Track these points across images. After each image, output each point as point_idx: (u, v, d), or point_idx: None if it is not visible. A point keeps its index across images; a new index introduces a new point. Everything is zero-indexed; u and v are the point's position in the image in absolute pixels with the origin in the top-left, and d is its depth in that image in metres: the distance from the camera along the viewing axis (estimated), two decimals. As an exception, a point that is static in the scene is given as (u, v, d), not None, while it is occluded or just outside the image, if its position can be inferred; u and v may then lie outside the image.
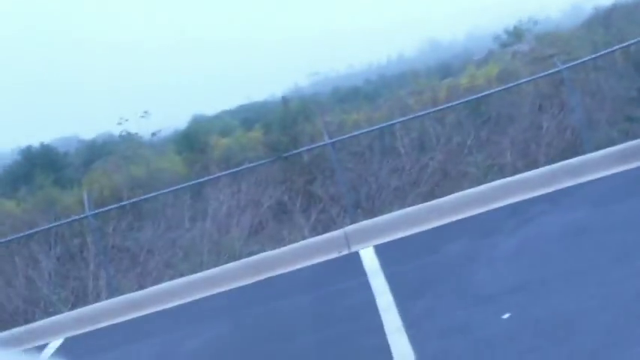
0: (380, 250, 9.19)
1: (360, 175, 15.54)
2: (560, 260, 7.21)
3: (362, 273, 8.44)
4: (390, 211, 12.06)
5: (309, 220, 14.31)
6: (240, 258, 11.65)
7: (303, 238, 11.67)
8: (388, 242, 9.40)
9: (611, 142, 11.45)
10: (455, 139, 15.45)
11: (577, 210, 8.62)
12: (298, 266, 9.48)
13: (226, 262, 11.51)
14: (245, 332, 7.77)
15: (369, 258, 8.97)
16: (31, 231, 13.03)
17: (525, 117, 14.67)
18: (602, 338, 5.44)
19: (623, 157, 9.99)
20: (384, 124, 14.70)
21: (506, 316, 6.28)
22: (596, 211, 8.42)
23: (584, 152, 11.85)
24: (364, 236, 9.70)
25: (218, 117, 37.55)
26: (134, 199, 13.34)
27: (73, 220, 13.04)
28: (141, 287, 11.80)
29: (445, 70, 29.71)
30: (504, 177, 11.72)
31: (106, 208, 12.96)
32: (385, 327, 6.78)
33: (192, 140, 18.17)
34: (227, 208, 15.23)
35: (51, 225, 13.04)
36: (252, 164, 13.53)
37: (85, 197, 12.47)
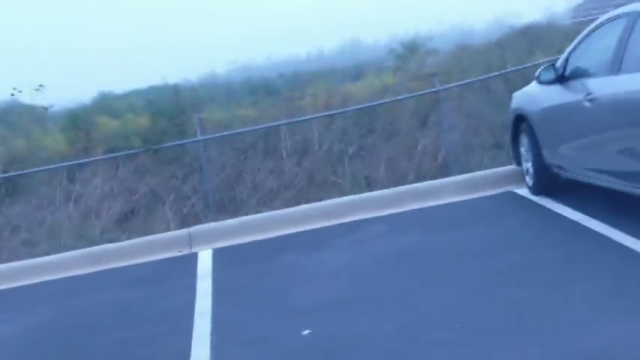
0: (218, 253, 9.27)
1: (238, 173, 15.56)
2: (376, 282, 7.36)
3: (193, 274, 8.51)
4: (256, 212, 12.15)
5: (178, 215, 14.29)
6: (98, 244, 11.62)
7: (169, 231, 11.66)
8: (229, 246, 9.50)
9: (481, 167, 11.67)
10: (336, 147, 15.57)
11: (411, 234, 8.80)
12: (138, 261, 9.51)
13: (85, 247, 11.47)
14: (56, 324, 7.76)
15: (205, 260, 9.04)
16: None
17: (406, 133, 14.88)
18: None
19: (477, 184, 10.22)
20: (266, 125, 14.81)
21: (306, 332, 6.38)
22: (428, 237, 8.61)
23: (448, 175, 12.10)
24: (208, 237, 9.78)
25: (125, 96, 36.87)
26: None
27: None
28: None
29: (360, 72, 29.60)
30: (370, 191, 11.92)
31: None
32: (194, 332, 6.83)
33: (78, 119, 17.88)
34: (100, 193, 15.12)
35: None
36: (123, 152, 13.50)
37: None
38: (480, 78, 13.47)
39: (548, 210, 8.63)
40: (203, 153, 12.65)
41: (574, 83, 8.18)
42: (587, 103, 7.74)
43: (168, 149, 14.68)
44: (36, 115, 22.21)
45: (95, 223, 13.98)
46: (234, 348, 6.39)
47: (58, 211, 14.38)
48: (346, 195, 11.70)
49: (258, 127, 13.90)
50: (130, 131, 16.08)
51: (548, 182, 9.02)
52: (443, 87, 12.80)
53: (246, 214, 11.58)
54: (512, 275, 6.91)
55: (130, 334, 7.07)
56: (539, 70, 8.84)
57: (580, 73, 8.17)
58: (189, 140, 13.19)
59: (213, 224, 10.41)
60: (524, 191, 9.47)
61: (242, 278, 8.25)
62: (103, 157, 14.14)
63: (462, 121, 14.57)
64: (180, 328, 6.95)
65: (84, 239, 12.82)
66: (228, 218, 11.45)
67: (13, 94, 21.18)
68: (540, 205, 8.89)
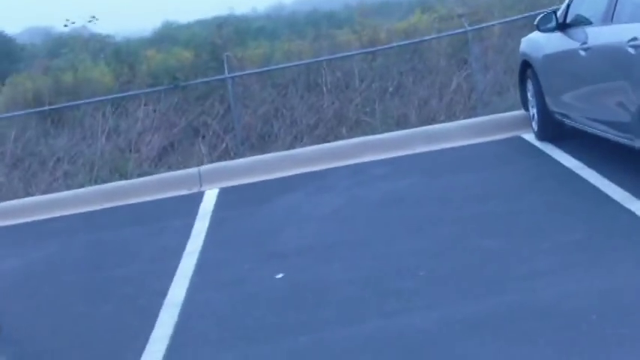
0: (223, 193, 9.45)
1: (277, 109, 15.67)
2: (361, 227, 7.48)
3: (194, 214, 8.69)
4: (290, 149, 12.31)
5: (215, 150, 14.50)
6: (130, 178, 11.90)
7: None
8: (235, 186, 9.66)
9: (513, 108, 11.59)
10: (375, 85, 15.57)
11: (410, 178, 8.85)
12: (148, 199, 9.73)
13: (118, 180, 11.77)
14: (55, 260, 8.06)
15: (209, 199, 9.22)
16: None
17: (437, 73, 14.81)
18: (341, 311, 5.69)
19: (488, 128, 10.17)
20: (293, 64, 14.86)
21: (279, 276, 6.53)
22: (424, 181, 8.68)
23: (476, 116, 12.07)
24: (218, 177, 9.93)
25: (189, 27, 36.90)
26: (33, 109, 13.61)
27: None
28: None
29: (422, 5, 29.32)
30: (400, 130, 11.95)
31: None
32: (177, 272, 7.03)
33: (122, 52, 18.10)
34: (141, 126, 15.36)
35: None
36: (151, 89, 13.69)
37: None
38: (509, 19, 13.30)
39: (548, 157, 8.60)
40: (231, 90, 12.76)
41: (573, 31, 8.08)
42: (582, 52, 7.67)
43: (206, 85, 14.82)
44: (99, 45, 22.49)
45: (131, 157, 14.24)
46: (208, 289, 6.59)
47: (97, 144, 14.68)
48: (376, 133, 11.76)
49: (284, 65, 13.96)
50: (171, 66, 16.20)
51: (552, 129, 8.96)
52: (471, 28, 12.65)
53: (277, 152, 11.70)
54: (491, 223, 6.96)
55: (117, 273, 7.31)
56: (538, 17, 8.73)
57: (580, 21, 8.06)
58: (215, 77, 13.31)
59: (222, 163, 10.61)
60: (530, 137, 9.42)
61: (238, 219, 8.42)
62: (137, 92, 14.34)
63: (501, 61, 14.42)
64: (166, 268, 7.14)
65: (117, 173, 13.14)
66: (259, 154, 11.57)
67: (66, 26, 21.48)
68: (542, 151, 8.87)
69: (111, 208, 9.63)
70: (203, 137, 15.11)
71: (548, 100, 8.72)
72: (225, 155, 13.75)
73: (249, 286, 6.48)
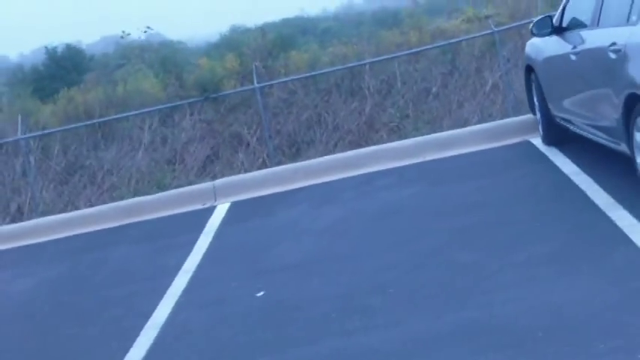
0: (234, 207, 9.58)
1: (319, 115, 15.75)
2: (350, 242, 7.55)
3: (200, 229, 8.84)
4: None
5: (258, 159, 14.64)
6: (166, 189, 12.10)
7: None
8: (246, 199, 9.78)
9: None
10: (416, 87, 15.53)
11: (412, 187, 8.86)
12: (164, 214, 9.91)
13: (156, 193, 11.98)
14: (61, 281, 8.30)
15: (219, 214, 9.36)
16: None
17: (473, 74, 14.71)
18: (306, 330, 5.78)
19: (500, 133, 10.09)
20: (337, 68, 14.88)
21: (260, 294, 6.64)
22: (425, 191, 8.69)
23: (508, 116, 11.97)
24: (231, 190, 10.06)
25: (255, 30, 37.04)
26: (67, 126, 13.94)
27: (4, 142, 13.60)
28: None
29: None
30: (432, 133, 11.91)
31: (35, 134, 13.53)
32: (168, 291, 7.19)
33: (167, 62, 18.36)
34: (185, 137, 15.56)
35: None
36: (183, 102, 13.89)
37: (19, 120, 12.98)
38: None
39: (550, 162, 8.51)
40: (260, 100, 12.88)
41: (568, 35, 7.97)
42: (573, 56, 7.59)
43: (247, 93, 14.94)
44: (154, 55, 22.88)
45: (176, 167, 14.45)
46: (192, 309, 6.73)
47: (142, 156, 14.94)
48: (405, 138, 11.78)
49: (307, 74, 14.05)
50: (217, 75, 16.35)
51: (556, 133, 8.85)
52: (497, 29, 12.54)
53: (309, 159, 11.78)
54: (475, 235, 6.94)
55: (112, 294, 7.49)
56: (533, 22, 8.64)
57: (573, 25, 7.95)
58: (244, 88, 13.46)
59: (236, 177, 10.73)
60: (538, 141, 9.33)
61: (240, 234, 8.56)
62: (177, 103, 14.53)
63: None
64: (159, 287, 7.30)
65: (155, 185, 13.38)
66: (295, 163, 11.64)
67: (122, 37, 22.02)
68: (545, 156, 8.77)
69: (128, 224, 9.84)
70: (247, 145, 15.28)
71: (550, 104, 8.63)
72: (264, 165, 13.89)
73: (229, 305, 6.61)
